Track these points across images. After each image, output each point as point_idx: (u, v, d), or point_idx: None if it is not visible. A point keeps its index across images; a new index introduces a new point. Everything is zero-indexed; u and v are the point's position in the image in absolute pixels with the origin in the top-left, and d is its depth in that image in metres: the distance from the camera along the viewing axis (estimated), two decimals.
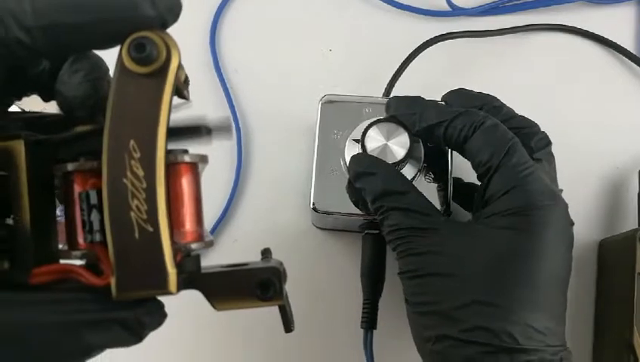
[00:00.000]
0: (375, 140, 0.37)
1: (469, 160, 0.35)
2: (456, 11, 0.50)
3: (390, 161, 0.37)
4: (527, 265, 0.32)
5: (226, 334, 0.45)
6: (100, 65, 0.26)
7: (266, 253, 0.26)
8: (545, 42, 0.50)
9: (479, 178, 0.35)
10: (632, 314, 0.39)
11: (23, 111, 0.26)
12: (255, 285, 0.23)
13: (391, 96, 0.45)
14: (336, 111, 0.41)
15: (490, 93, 0.47)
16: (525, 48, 0.50)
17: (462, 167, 0.39)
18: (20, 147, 0.22)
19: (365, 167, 0.36)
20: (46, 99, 0.27)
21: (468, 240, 0.33)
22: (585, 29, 0.49)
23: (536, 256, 0.32)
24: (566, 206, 0.34)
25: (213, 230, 0.45)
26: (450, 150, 0.39)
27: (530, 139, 0.35)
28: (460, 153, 0.36)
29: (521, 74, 0.49)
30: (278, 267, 0.24)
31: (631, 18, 0.50)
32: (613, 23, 0.50)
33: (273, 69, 0.49)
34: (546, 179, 0.33)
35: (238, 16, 0.51)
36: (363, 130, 0.37)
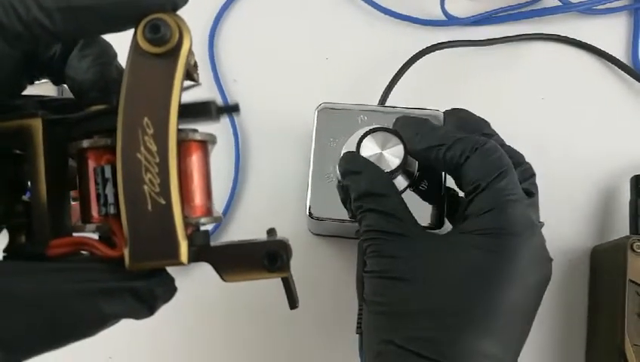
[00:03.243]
0: (370, 149, 0.38)
1: (462, 181, 0.35)
2: (451, 21, 0.50)
3: (385, 170, 0.37)
4: (489, 287, 0.31)
5: (222, 339, 0.45)
6: (108, 50, 0.27)
7: (271, 232, 0.27)
8: (538, 52, 0.50)
9: (466, 196, 0.35)
10: (623, 320, 0.39)
11: (39, 95, 0.27)
12: (263, 256, 0.24)
13: (387, 104, 0.46)
14: (333, 119, 0.42)
15: (486, 102, 0.48)
16: (519, 58, 0.50)
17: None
18: (37, 125, 0.23)
19: (352, 166, 0.37)
20: (56, 82, 0.28)
21: (436, 251, 0.33)
22: (577, 38, 0.50)
23: (500, 280, 0.31)
24: (543, 240, 0.33)
25: (211, 235, 0.46)
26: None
27: (515, 169, 0.35)
28: (455, 176, 0.36)
29: (515, 83, 0.50)
30: (284, 241, 0.25)
31: (623, 28, 0.51)
32: (606, 33, 0.50)
33: (271, 78, 0.50)
34: (528, 211, 0.33)
35: (235, 27, 0.51)
36: (358, 139, 0.38)
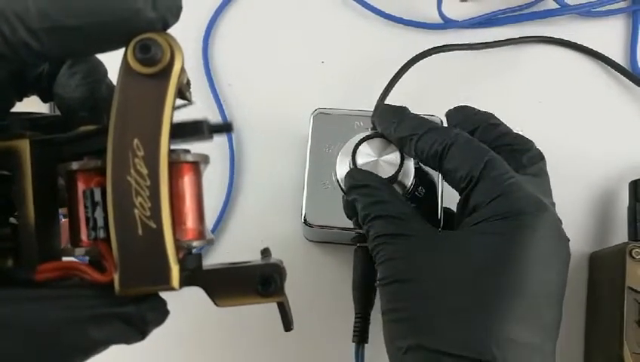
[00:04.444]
0: (366, 156, 0.37)
1: (448, 181, 0.35)
2: (448, 24, 0.50)
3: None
4: (512, 272, 0.30)
5: (214, 345, 0.44)
6: (99, 67, 0.27)
7: (265, 252, 0.27)
8: (536, 55, 0.50)
9: (460, 193, 0.35)
10: (622, 327, 0.39)
11: (27, 113, 0.27)
12: (256, 281, 0.24)
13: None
14: (328, 125, 0.41)
15: (483, 106, 0.47)
16: (516, 61, 0.50)
17: (453, 191, 0.39)
18: (25, 146, 0.23)
19: (357, 180, 0.36)
20: (45, 100, 0.27)
21: (448, 246, 0.32)
22: (576, 41, 0.50)
23: (523, 263, 0.30)
24: (556, 218, 0.33)
25: (204, 247, 0.45)
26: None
27: (523, 155, 0.35)
28: (440, 173, 0.36)
29: (512, 86, 0.49)
30: (279, 264, 0.24)
31: (621, 31, 0.51)
32: (604, 36, 0.50)
33: (266, 83, 0.49)
34: (530, 189, 0.33)
35: (230, 31, 0.51)
36: (354, 147, 0.37)
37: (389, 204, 0.34)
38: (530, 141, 0.36)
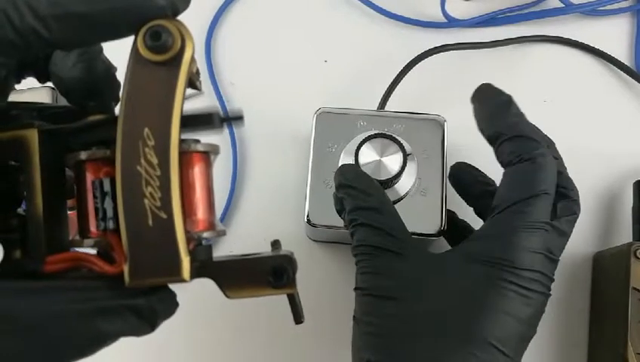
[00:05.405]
0: (369, 156, 0.37)
1: (499, 188, 0.34)
2: (452, 23, 0.50)
3: (384, 177, 0.37)
4: (478, 318, 0.30)
5: (217, 344, 0.44)
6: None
7: (275, 244, 0.26)
8: (541, 54, 0.50)
9: (490, 211, 0.33)
10: (626, 328, 0.38)
11: (33, 103, 0.26)
12: (268, 272, 0.23)
13: (387, 108, 0.45)
14: (331, 124, 0.41)
15: None
16: (520, 60, 0.50)
17: (456, 200, 0.39)
18: (33, 136, 0.23)
19: (347, 179, 0.35)
20: (42, 80, 0.27)
21: (429, 272, 0.32)
22: (580, 40, 0.49)
23: (490, 313, 0.30)
24: (545, 277, 0.31)
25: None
26: (443, 167, 0.40)
27: (561, 200, 0.33)
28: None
29: (517, 86, 0.48)
30: (290, 255, 0.24)
31: (625, 30, 0.50)
32: (608, 35, 0.50)
33: (269, 81, 0.49)
34: (537, 243, 0.31)
35: (233, 30, 0.51)
36: (357, 146, 0.37)
37: (378, 214, 0.33)
38: (576, 190, 0.34)
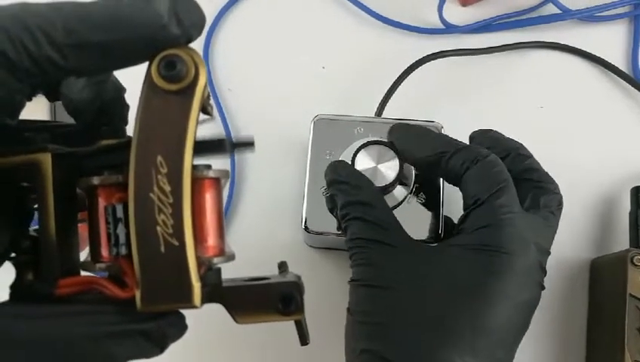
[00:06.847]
0: (365, 163, 0.37)
1: (462, 192, 0.35)
2: (449, 29, 0.50)
3: (380, 184, 0.37)
4: (473, 304, 0.31)
5: (216, 350, 0.44)
6: None
7: (282, 266, 0.26)
8: (538, 60, 0.50)
9: (465, 209, 0.35)
10: (623, 335, 0.38)
11: (45, 121, 0.27)
12: (277, 299, 0.24)
13: (384, 115, 0.45)
14: (329, 131, 0.41)
15: (485, 111, 0.47)
16: (517, 66, 0.50)
17: (453, 198, 0.39)
18: (47, 159, 0.23)
19: (338, 175, 0.36)
20: (51, 99, 0.27)
21: (423, 262, 0.33)
22: (577, 46, 0.49)
23: (485, 299, 0.31)
24: (535, 262, 0.33)
25: None
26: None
27: (542, 195, 0.35)
28: (456, 185, 0.36)
29: (513, 92, 0.49)
30: (298, 281, 0.24)
31: (623, 36, 0.50)
32: (605, 41, 0.50)
33: (267, 88, 0.49)
34: (524, 229, 0.32)
35: (230, 36, 0.51)
36: (353, 153, 0.37)
37: (370, 208, 0.34)
38: (555, 184, 0.36)
